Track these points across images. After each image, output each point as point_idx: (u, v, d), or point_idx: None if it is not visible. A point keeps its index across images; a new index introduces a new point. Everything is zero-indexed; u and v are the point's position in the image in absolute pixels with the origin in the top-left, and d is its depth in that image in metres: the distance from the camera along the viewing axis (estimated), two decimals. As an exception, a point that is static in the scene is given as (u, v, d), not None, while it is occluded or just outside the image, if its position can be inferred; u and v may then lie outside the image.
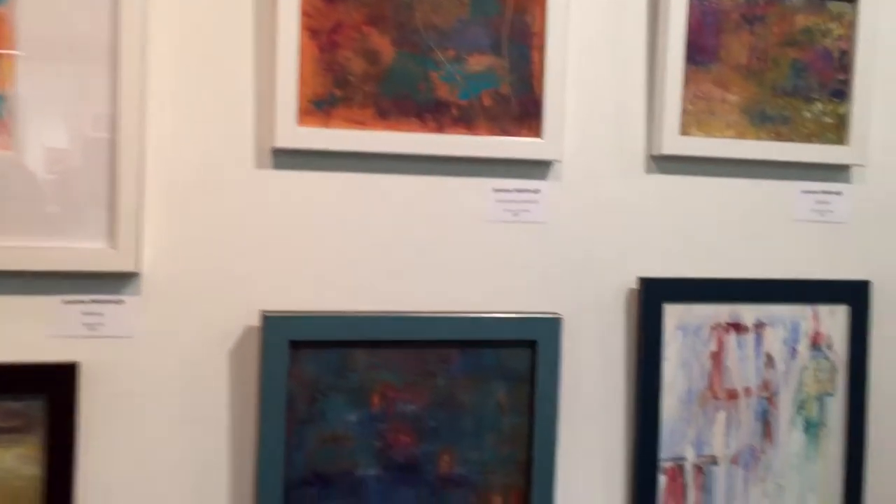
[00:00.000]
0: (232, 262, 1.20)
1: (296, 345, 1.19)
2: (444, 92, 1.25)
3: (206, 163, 1.18)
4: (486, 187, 1.29)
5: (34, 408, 1.14)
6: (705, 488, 1.37)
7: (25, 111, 1.11)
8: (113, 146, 1.13)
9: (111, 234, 1.14)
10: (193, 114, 1.18)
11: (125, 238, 1.14)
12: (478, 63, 1.26)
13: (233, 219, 1.20)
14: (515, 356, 1.28)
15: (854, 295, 1.43)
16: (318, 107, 1.21)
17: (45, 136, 1.12)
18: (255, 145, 1.20)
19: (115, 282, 1.16)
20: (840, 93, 1.42)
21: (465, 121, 1.26)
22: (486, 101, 1.27)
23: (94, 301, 1.15)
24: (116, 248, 1.14)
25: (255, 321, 1.20)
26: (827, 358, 1.42)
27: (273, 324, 1.18)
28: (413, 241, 1.27)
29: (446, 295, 1.28)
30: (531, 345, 1.28)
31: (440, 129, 1.25)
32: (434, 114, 1.25)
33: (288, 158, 1.21)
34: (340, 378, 1.22)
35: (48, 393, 1.14)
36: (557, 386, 1.28)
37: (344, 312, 1.22)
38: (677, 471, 1.36)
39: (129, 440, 1.17)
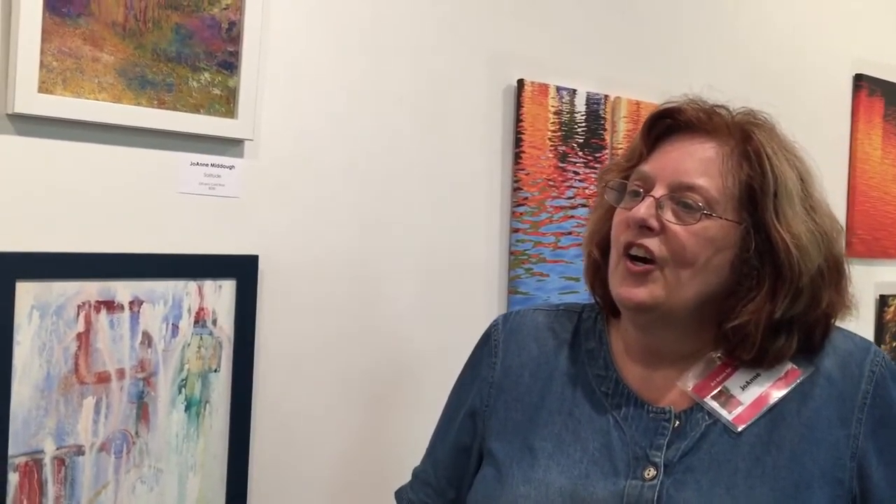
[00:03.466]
0: None
1: None
2: None
3: None
4: None
5: None
6: (68, 481, 1.26)
7: None
8: None
9: None
10: None
11: None
12: None
13: None
14: None
15: (241, 270, 1.42)
16: None
17: None
18: None
19: None
20: (229, 65, 1.39)
21: None
22: None
23: None
24: None
25: None
26: (211, 334, 1.40)
27: None
28: None
29: None
30: None
31: None
32: None
33: None
34: None
35: None
36: None
37: None
38: (33, 466, 1.23)
39: None
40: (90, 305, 1.27)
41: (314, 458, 1.54)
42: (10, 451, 1.20)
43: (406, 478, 1.24)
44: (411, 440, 1.62)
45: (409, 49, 1.63)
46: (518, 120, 1.81)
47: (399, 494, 1.23)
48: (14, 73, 1.19)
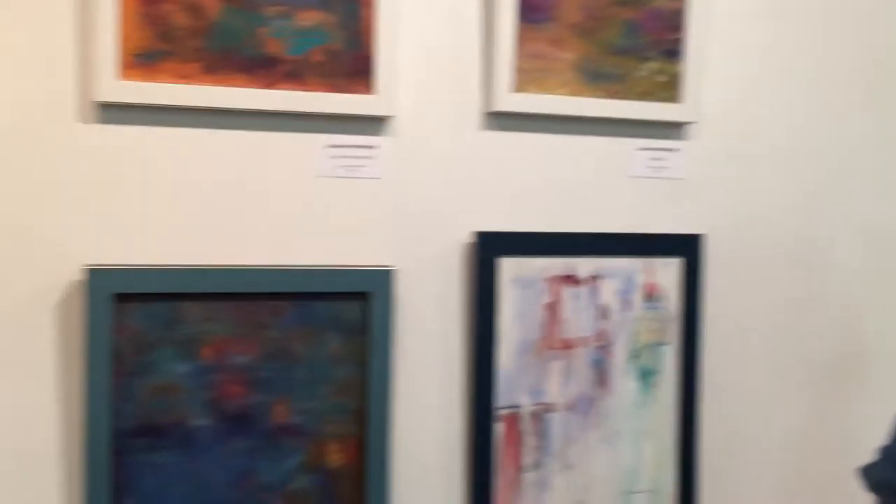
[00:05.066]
0: (57, 216, 1.20)
1: (122, 298, 1.21)
2: (273, 47, 1.27)
3: (27, 114, 1.18)
4: (319, 143, 1.31)
5: None
6: (542, 434, 1.42)
7: None
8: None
9: (-74, 187, 1.14)
10: (13, 64, 1.17)
11: (-60, 191, 1.14)
12: (307, 19, 1.28)
13: (56, 172, 1.20)
14: (349, 308, 1.31)
15: (687, 248, 1.48)
16: (141, 60, 1.21)
17: None
18: (77, 98, 1.20)
19: (-66, 236, 1.16)
20: (673, 52, 1.46)
21: (296, 76, 1.28)
22: (317, 57, 1.29)
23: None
24: (-68, 202, 1.14)
25: (80, 275, 1.21)
26: (661, 308, 1.47)
27: (96, 277, 1.19)
28: (245, 196, 1.28)
29: (279, 249, 1.30)
30: (364, 297, 1.31)
31: (270, 84, 1.27)
32: (264, 69, 1.26)
33: (112, 112, 1.22)
34: (169, 330, 1.24)
35: None
36: (391, 337, 1.31)
37: (173, 266, 1.24)
38: (514, 418, 1.40)
39: (-48, 394, 1.18)
40: (556, 279, 1.42)
41: (764, 433, 1.56)
42: (498, 403, 1.39)
43: (861, 460, 1.20)
44: (867, 422, 1.55)
45: (853, 24, 1.57)
46: (980, 84, 1.64)
47: (867, 472, 1.19)
48: (492, 75, 1.37)
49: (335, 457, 1.32)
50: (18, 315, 1.19)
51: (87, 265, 1.19)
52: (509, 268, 1.39)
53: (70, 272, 1.21)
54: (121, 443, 1.22)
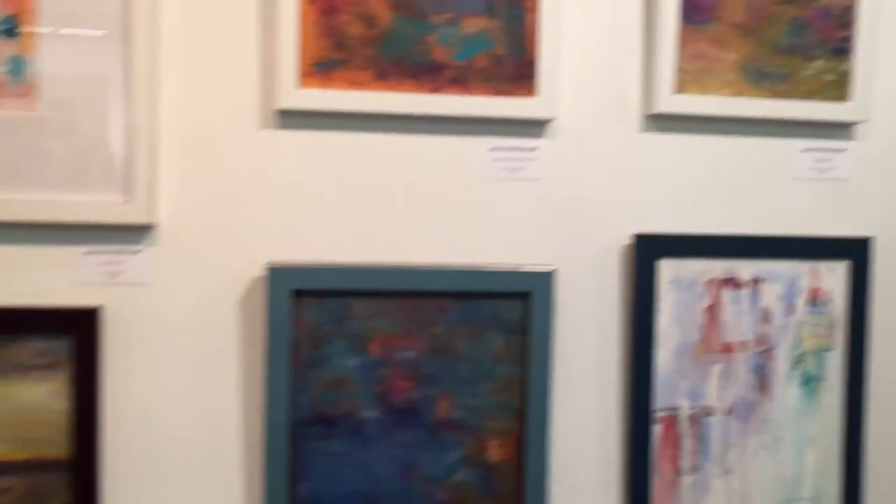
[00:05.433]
0: (241, 217, 1.29)
1: (299, 294, 1.28)
2: (439, 54, 1.31)
3: (216, 122, 1.27)
4: (483, 146, 1.35)
5: (62, 348, 1.25)
6: (700, 438, 1.41)
7: (47, 77, 1.21)
8: (129, 108, 1.22)
9: (128, 189, 1.24)
10: (203, 76, 1.26)
11: (141, 193, 1.24)
12: (472, 25, 1.32)
13: (241, 175, 1.28)
14: (511, 308, 1.34)
15: (854, 251, 1.43)
16: (319, 69, 1.28)
17: (66, 99, 1.22)
18: (260, 106, 1.28)
19: (134, 233, 1.26)
20: (842, 50, 1.42)
21: (461, 81, 1.32)
22: (481, 63, 1.32)
23: (113, 251, 1.26)
24: (133, 202, 1.24)
25: (262, 272, 1.29)
26: (825, 313, 1.43)
27: (277, 274, 1.26)
28: (412, 198, 1.33)
29: (444, 248, 1.34)
30: (526, 297, 1.34)
31: (436, 89, 1.31)
32: (430, 75, 1.31)
33: (291, 119, 1.29)
34: (341, 326, 1.30)
35: (75, 334, 1.25)
36: (551, 337, 1.33)
37: (346, 264, 1.30)
38: (672, 420, 1.40)
39: (148, 378, 1.28)
40: (716, 282, 1.40)
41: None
42: (656, 405, 1.38)
43: None
44: None
45: None
46: None
47: None
48: (653, 77, 1.37)
49: (495, 452, 1.35)
50: (206, 309, 1.28)
51: (269, 263, 1.27)
52: (669, 269, 1.39)
53: (253, 269, 1.29)
54: (297, 431, 1.29)
